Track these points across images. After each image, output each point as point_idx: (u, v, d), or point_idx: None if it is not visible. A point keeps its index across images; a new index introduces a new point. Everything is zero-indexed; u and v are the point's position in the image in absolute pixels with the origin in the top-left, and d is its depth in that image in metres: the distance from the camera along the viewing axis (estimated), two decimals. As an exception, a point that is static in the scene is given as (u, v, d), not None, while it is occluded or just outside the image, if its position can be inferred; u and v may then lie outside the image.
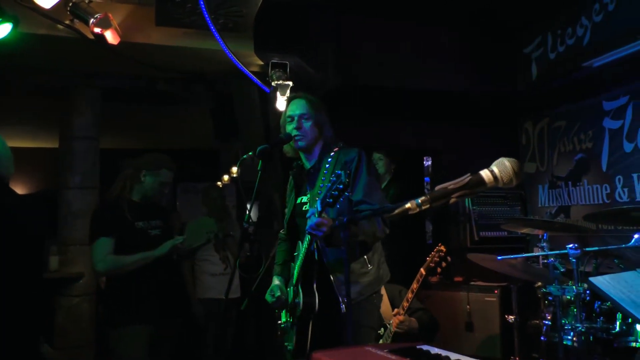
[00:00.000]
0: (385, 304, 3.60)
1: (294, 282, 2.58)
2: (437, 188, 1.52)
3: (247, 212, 2.59)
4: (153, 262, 3.16)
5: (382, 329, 3.53)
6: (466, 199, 5.22)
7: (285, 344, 2.70)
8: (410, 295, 3.43)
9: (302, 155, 2.76)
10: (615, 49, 3.81)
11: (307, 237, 2.41)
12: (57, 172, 4.92)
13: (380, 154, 4.72)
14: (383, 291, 3.57)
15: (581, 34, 4.16)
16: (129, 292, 3.15)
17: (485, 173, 1.51)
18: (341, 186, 1.89)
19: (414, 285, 3.39)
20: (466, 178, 1.49)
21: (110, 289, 3.29)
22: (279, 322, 2.77)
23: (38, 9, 3.50)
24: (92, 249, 3.15)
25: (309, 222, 2.33)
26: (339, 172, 1.92)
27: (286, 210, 2.88)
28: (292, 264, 2.79)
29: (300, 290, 2.51)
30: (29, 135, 7.74)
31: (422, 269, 3.35)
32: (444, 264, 3.27)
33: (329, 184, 1.96)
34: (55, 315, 4.63)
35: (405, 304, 3.46)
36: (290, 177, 2.83)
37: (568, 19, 4.28)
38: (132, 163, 3.31)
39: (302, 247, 2.50)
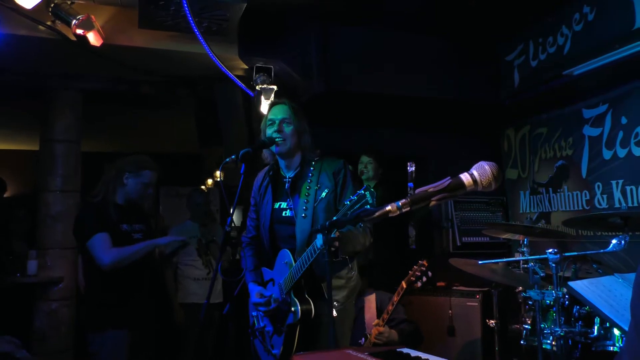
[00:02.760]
0: (371, 312, 3.60)
1: (285, 290, 2.57)
2: (417, 191, 1.53)
3: (230, 216, 2.58)
4: (135, 267, 3.12)
5: (363, 338, 3.52)
6: (449, 205, 5.26)
7: (267, 348, 2.69)
8: (390, 307, 3.43)
9: (281, 162, 2.75)
10: (595, 57, 3.87)
11: (311, 248, 2.37)
12: (37, 175, 4.85)
13: (369, 158, 4.70)
14: (373, 298, 3.59)
15: (562, 42, 4.23)
16: (111, 297, 3.12)
17: (465, 176, 1.52)
18: (368, 207, 1.85)
19: (395, 298, 3.40)
20: (446, 181, 1.51)
21: (91, 293, 3.24)
22: (258, 327, 2.76)
23: (19, 10, 3.46)
24: (91, 246, 3.06)
25: (319, 240, 2.31)
26: (361, 192, 1.86)
27: (255, 214, 2.84)
28: (265, 268, 2.78)
29: (295, 299, 2.50)
30: (8, 137, 7.63)
31: (403, 282, 3.36)
32: (424, 279, 3.28)
33: (348, 202, 1.91)
34: (33, 320, 4.55)
35: (385, 316, 3.46)
36: (268, 180, 2.79)
37: (549, 27, 4.35)
38: (114, 166, 3.29)
39: (301, 257, 2.44)
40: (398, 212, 1.55)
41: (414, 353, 1.52)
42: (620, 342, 2.64)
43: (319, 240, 2.29)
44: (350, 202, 1.90)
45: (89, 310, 3.20)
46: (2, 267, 4.99)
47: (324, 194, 2.54)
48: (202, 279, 4.59)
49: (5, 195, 7.22)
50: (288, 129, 2.66)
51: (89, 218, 3.18)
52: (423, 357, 1.46)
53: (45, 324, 4.53)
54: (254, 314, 2.79)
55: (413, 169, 6.07)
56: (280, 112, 2.70)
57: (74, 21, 3.55)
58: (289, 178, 2.70)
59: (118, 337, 3.06)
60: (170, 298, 4.51)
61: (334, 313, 2.37)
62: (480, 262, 3.28)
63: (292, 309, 2.51)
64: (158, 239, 3.19)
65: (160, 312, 3.48)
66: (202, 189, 6.12)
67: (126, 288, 3.14)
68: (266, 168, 2.83)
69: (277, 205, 2.70)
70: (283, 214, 2.66)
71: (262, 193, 2.79)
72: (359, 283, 2.78)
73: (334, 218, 2.01)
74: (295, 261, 2.51)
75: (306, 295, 2.51)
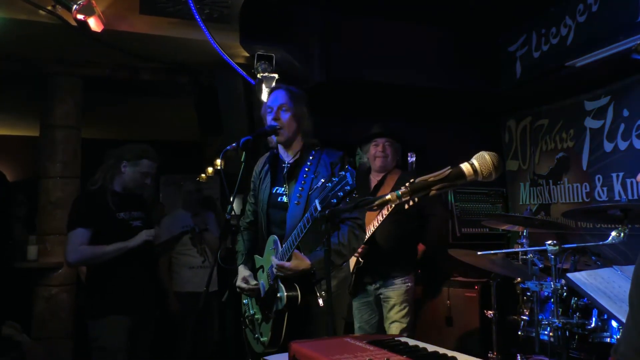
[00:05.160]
0: None
1: (272, 276, 2.58)
2: (417, 180, 1.53)
3: (230, 204, 2.57)
4: (132, 254, 3.13)
5: None
6: (449, 196, 5.26)
7: (256, 336, 2.70)
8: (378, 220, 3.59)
9: (280, 148, 2.74)
10: (598, 49, 3.85)
11: (294, 235, 2.40)
12: (36, 161, 4.85)
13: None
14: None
15: (565, 33, 4.21)
16: (110, 283, 3.13)
17: (465, 166, 1.52)
18: (348, 187, 1.88)
19: (383, 213, 3.56)
20: (446, 170, 1.51)
21: (91, 280, 3.26)
22: (248, 314, 2.76)
23: (19, -6, 3.45)
24: (67, 239, 3.13)
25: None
26: (344, 173, 1.90)
27: (253, 198, 2.84)
28: (257, 256, 2.79)
29: (282, 285, 2.50)
30: (7, 123, 7.61)
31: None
32: (411, 202, 3.40)
33: (330, 184, 1.94)
34: (33, 306, 4.57)
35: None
36: (268, 166, 2.78)
37: (553, 18, 4.32)
38: (113, 154, 3.27)
39: (287, 242, 2.47)
40: (398, 201, 1.55)
41: (412, 342, 1.52)
42: (617, 334, 2.65)
43: (306, 218, 2.33)
44: (332, 183, 1.93)
45: (89, 297, 3.21)
46: (3, 252, 5.01)
47: (319, 184, 2.54)
48: (197, 267, 4.58)
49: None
50: (285, 115, 2.64)
51: (76, 209, 3.19)
52: (421, 346, 1.47)
53: (45, 309, 4.55)
54: (245, 302, 2.81)
55: (414, 159, 6.05)
56: (278, 98, 2.67)
57: (74, 6, 3.53)
58: (288, 164, 2.70)
59: (118, 322, 3.08)
60: (165, 287, 4.48)
61: (320, 303, 2.39)
62: (479, 252, 3.29)
63: (278, 294, 2.51)
64: (129, 241, 3.15)
65: (157, 299, 3.49)
66: (194, 178, 5.99)
67: (126, 274, 3.15)
68: (269, 152, 2.82)
69: (274, 190, 2.70)
70: (279, 199, 2.66)
71: (262, 177, 2.79)
72: (349, 273, 2.79)
73: (317, 200, 2.03)
74: (282, 246, 2.52)
75: (293, 282, 2.50)
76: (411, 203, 1.54)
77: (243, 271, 2.76)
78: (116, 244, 3.12)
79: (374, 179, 3.86)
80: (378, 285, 3.68)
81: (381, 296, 3.69)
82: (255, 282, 2.69)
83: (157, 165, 3.33)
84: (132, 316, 3.14)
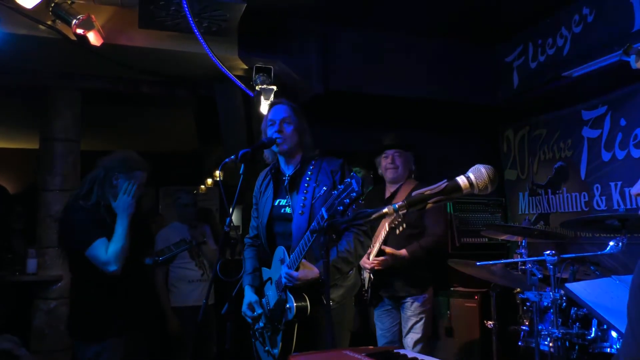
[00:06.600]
0: None
1: (280, 287, 2.58)
2: (414, 193, 1.54)
3: (229, 216, 2.58)
4: (125, 272, 2.92)
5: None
6: (448, 206, 5.26)
7: (267, 348, 2.69)
8: (373, 249, 3.56)
9: (281, 161, 2.77)
10: (595, 59, 3.88)
11: (301, 245, 2.40)
12: (36, 174, 4.85)
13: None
14: None
15: (561, 44, 4.24)
16: (108, 305, 2.93)
17: (461, 179, 1.54)
18: (354, 194, 1.86)
19: (378, 242, 3.54)
20: (443, 184, 1.52)
21: (87, 301, 2.98)
22: (257, 327, 2.76)
23: (19, 9, 3.47)
24: (93, 256, 2.85)
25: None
26: (349, 180, 1.88)
27: (256, 212, 2.86)
28: (264, 268, 2.80)
29: (291, 295, 2.50)
30: (8, 136, 7.64)
31: (386, 225, 3.47)
32: (401, 228, 3.37)
33: (336, 192, 1.93)
34: (32, 319, 4.55)
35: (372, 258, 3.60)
36: (269, 178, 2.80)
37: (549, 29, 4.36)
38: (103, 165, 3.03)
39: (294, 252, 2.47)
40: (395, 214, 1.56)
41: (410, 354, 1.53)
42: (617, 344, 2.65)
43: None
44: (337, 191, 1.93)
45: (85, 319, 2.96)
46: (2, 265, 5.00)
47: (322, 192, 2.55)
48: (196, 280, 4.53)
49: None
50: (288, 129, 2.68)
51: (84, 224, 2.93)
52: (420, 358, 1.47)
53: (44, 323, 4.53)
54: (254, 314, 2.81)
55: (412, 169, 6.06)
56: (281, 112, 2.72)
57: (74, 21, 3.56)
58: (289, 176, 2.72)
59: (117, 345, 2.88)
60: (162, 304, 4.42)
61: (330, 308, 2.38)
62: (478, 263, 3.29)
63: (287, 305, 2.51)
64: (126, 207, 2.95)
65: (152, 316, 3.38)
66: (189, 190, 5.86)
67: (120, 289, 2.94)
68: (269, 166, 2.84)
69: (276, 202, 2.72)
70: (282, 211, 2.68)
71: (263, 190, 2.81)
72: (357, 281, 2.78)
73: (323, 209, 2.01)
74: (289, 257, 2.52)
75: (302, 293, 2.50)
76: (430, 205, 1.52)
77: (248, 294, 2.77)
78: (120, 217, 2.92)
79: (389, 190, 3.89)
80: (396, 299, 3.74)
81: (401, 306, 3.74)
82: (260, 310, 2.71)
83: (148, 174, 3.12)
84: (128, 335, 2.95)
